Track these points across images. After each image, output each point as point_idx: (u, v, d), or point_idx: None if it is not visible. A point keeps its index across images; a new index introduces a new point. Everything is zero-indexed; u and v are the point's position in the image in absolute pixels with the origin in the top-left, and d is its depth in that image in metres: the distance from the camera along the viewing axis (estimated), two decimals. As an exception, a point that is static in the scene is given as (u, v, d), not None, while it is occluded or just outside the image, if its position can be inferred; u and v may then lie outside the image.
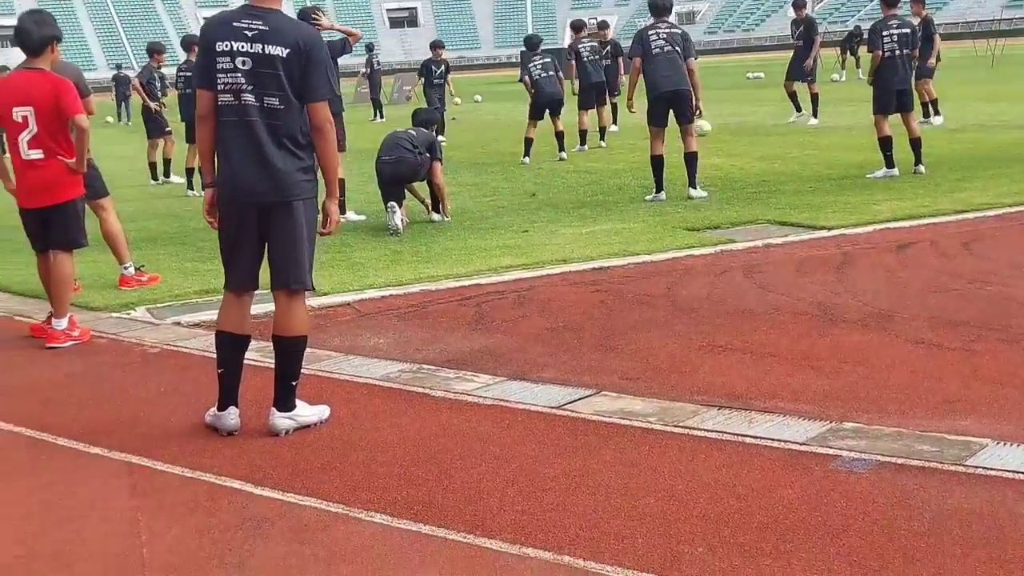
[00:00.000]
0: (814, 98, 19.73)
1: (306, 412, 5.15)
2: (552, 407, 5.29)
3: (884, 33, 12.27)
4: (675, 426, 4.94)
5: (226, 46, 4.82)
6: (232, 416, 5.06)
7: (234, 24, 4.85)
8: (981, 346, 5.89)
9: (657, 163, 11.60)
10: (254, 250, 5.03)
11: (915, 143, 12.29)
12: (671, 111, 11.53)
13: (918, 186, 11.48)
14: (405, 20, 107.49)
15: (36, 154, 6.77)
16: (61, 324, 6.88)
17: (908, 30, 12.46)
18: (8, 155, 6.98)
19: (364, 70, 29.83)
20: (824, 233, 9.29)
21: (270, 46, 4.79)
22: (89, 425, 5.32)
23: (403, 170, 10.51)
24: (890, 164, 12.16)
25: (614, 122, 19.54)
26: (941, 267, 8.00)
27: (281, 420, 5.06)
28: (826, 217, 9.88)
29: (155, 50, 15.97)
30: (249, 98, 4.82)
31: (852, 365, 5.71)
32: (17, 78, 6.89)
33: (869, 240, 8.95)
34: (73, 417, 5.47)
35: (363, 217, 11.24)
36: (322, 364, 6.22)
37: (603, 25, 23.78)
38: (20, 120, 6.72)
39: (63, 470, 4.77)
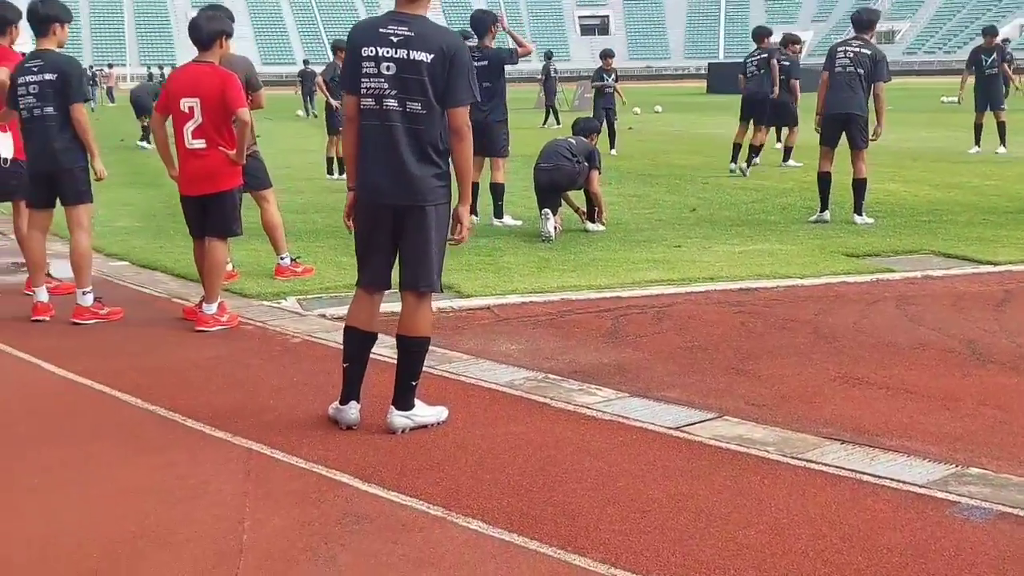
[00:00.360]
0: (1001, 127, 18.93)
1: (424, 412, 5.22)
2: (670, 428, 5.23)
3: None
4: (793, 457, 4.81)
5: (372, 51, 4.92)
6: (352, 410, 5.17)
7: (380, 30, 4.95)
8: None
9: (823, 181, 11.32)
10: (387, 251, 5.13)
11: None
12: (844, 133, 11.23)
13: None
14: (596, 28, 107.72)
15: (199, 144, 7.03)
16: (211, 309, 7.14)
17: None
18: (173, 143, 7.26)
19: (540, 76, 30.05)
20: (989, 268, 8.91)
21: (415, 51, 4.87)
22: (220, 409, 5.50)
23: (560, 178, 10.54)
24: None
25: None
26: (1110, 312, 7.58)
27: (398, 418, 5.14)
28: (994, 251, 9.47)
29: (339, 47, 16.35)
30: (392, 103, 4.91)
31: (991, 408, 5.46)
32: (187, 71, 7.18)
33: (1036, 278, 8.55)
34: (206, 400, 5.67)
35: (520, 222, 11.30)
36: (451, 365, 6.29)
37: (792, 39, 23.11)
38: (187, 111, 6.99)
39: (187, 450, 4.94)
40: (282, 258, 8.72)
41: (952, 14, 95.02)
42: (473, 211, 11.31)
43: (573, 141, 10.87)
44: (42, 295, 7.42)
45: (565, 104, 33.05)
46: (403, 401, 5.16)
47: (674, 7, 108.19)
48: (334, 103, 16.13)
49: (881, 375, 6.06)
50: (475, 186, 11.32)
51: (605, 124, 20.12)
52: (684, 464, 4.76)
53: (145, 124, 23.90)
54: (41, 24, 7.31)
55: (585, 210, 10.99)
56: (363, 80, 4.94)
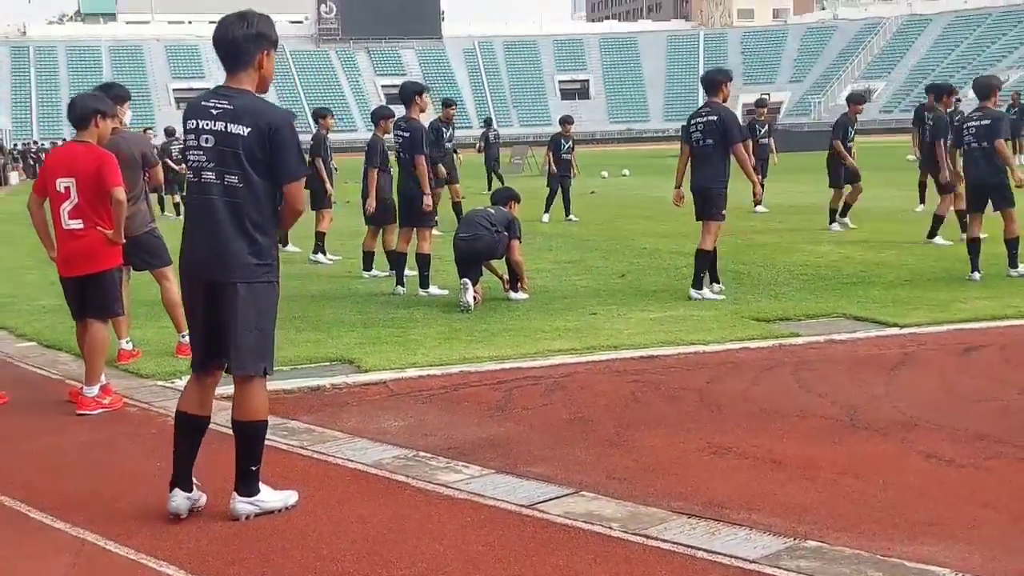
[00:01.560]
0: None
1: (269, 498, 5.14)
2: (522, 505, 5.18)
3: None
4: (635, 534, 4.76)
5: (193, 124, 4.93)
6: (176, 498, 5.05)
7: (203, 103, 4.96)
8: (994, 464, 5.54)
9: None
10: (207, 329, 5.02)
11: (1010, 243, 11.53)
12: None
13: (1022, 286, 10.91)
14: (576, 92, 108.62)
15: (76, 224, 7.03)
16: (92, 391, 7.09)
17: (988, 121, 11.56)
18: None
19: (479, 143, 30.24)
20: (895, 331, 8.89)
21: (232, 124, 4.84)
22: (70, 497, 5.44)
23: (479, 247, 10.56)
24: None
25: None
26: (999, 374, 7.57)
27: (241, 505, 5.06)
28: (905, 314, 9.46)
29: (321, 115, 16.23)
30: (210, 175, 4.88)
31: (851, 478, 5.43)
32: (64, 150, 7.20)
33: (938, 340, 8.53)
34: (61, 488, 5.62)
35: (445, 292, 11.30)
36: (325, 445, 6.25)
37: (761, 103, 23.26)
38: (63, 191, 7.01)
39: (17, 543, 4.87)
40: (183, 336, 8.67)
41: (926, 73, 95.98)
42: (399, 282, 11.43)
43: (492, 211, 10.91)
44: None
45: (533, 168, 33.15)
46: (245, 487, 5.07)
47: (653, 71, 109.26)
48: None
49: (751, 444, 6.03)
50: (401, 256, 11.40)
51: (561, 191, 20.21)
52: (524, 545, 4.70)
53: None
54: (82, 119, 7.27)
55: (507, 278, 10.98)
56: (188, 152, 4.96)
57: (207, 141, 4.88)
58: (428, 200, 11.40)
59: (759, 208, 19.06)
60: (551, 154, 20.78)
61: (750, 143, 10.97)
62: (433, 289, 11.33)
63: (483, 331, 9.30)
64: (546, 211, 20.24)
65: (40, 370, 8.53)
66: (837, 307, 9.95)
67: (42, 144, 59.36)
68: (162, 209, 24.87)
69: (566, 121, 21.39)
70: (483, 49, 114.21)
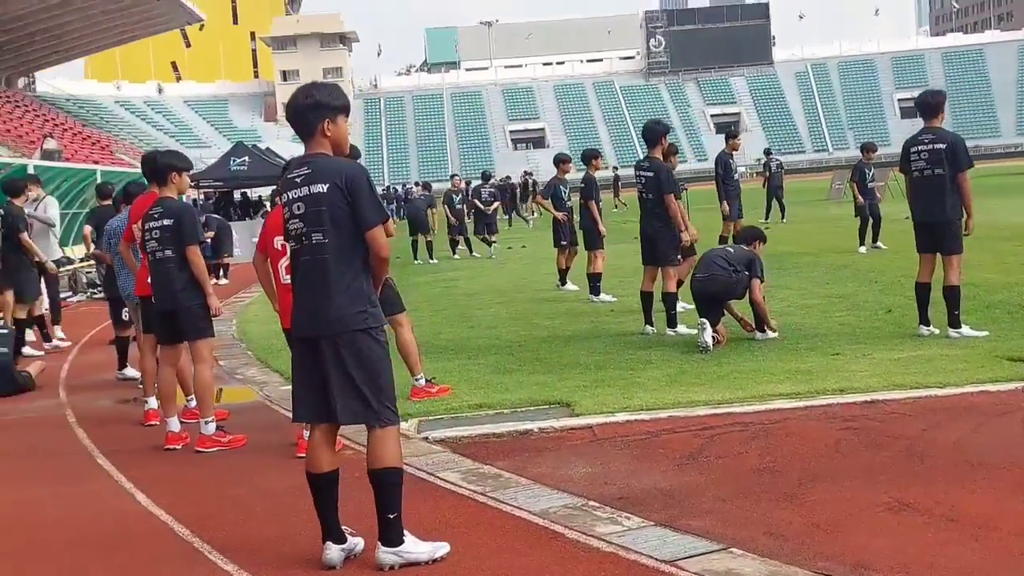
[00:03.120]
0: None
1: (415, 549, 5.23)
2: (664, 560, 5.09)
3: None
4: (762, 595, 4.57)
5: (285, 197, 5.25)
6: (329, 551, 5.26)
7: (288, 176, 5.30)
8: None
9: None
10: (316, 385, 5.18)
11: None
12: None
13: None
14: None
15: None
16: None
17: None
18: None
19: (763, 173, 29.76)
20: None
21: (314, 185, 5.10)
22: (252, 542, 5.79)
23: (715, 288, 10.38)
24: None
25: None
26: None
27: (385, 555, 5.18)
28: None
29: (562, 160, 16.68)
30: (305, 239, 5.15)
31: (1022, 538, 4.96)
32: (278, 212, 7.70)
33: None
34: (249, 532, 5.98)
35: (694, 332, 11.11)
36: (504, 492, 6.35)
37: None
38: (279, 248, 7.47)
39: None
40: (416, 379, 9.03)
41: None
42: (648, 321, 11.40)
43: (731, 250, 10.70)
44: (174, 425, 8.05)
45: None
46: (387, 537, 5.19)
47: (1002, 83, 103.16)
48: (558, 216, 16.50)
49: (935, 500, 5.64)
50: (648, 296, 11.37)
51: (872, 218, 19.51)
52: (643, 602, 4.62)
53: (429, 239, 25.34)
54: (158, 174, 8.07)
55: (751, 320, 10.70)
56: (287, 224, 5.25)
57: (299, 208, 5.16)
58: (686, 236, 11.38)
59: None
60: (856, 184, 20.14)
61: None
62: (682, 328, 11.21)
63: (711, 374, 9.13)
64: (861, 243, 19.59)
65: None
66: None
67: (392, 187, 62.97)
68: (453, 251, 25.95)
69: (869, 148, 20.67)
70: (816, 71, 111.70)
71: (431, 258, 25.03)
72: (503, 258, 24.18)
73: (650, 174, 11.42)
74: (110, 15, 76.21)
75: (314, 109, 5.23)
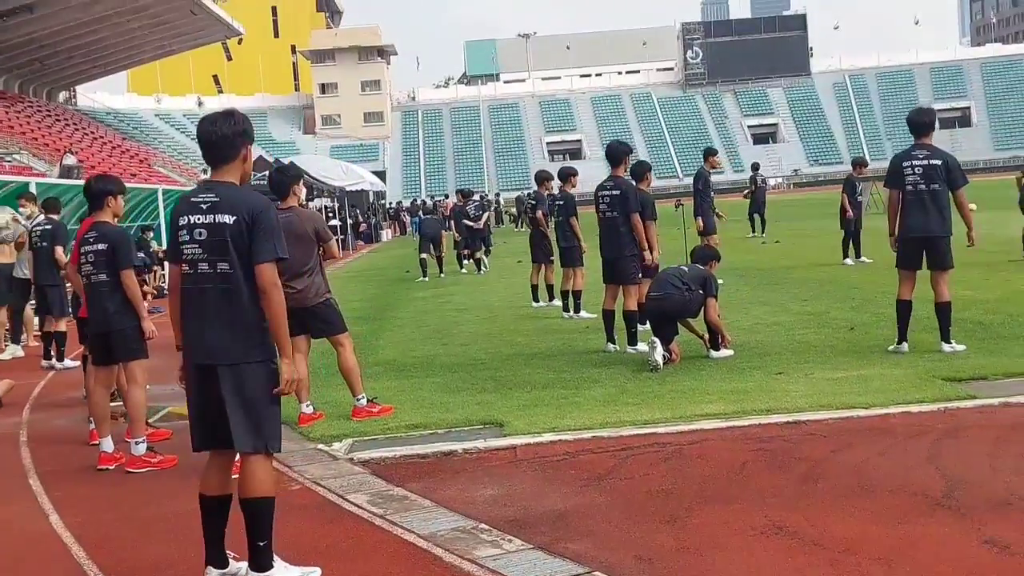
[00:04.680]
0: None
1: (285, 574, 5.31)
2: (527, 585, 5.18)
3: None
4: (603, 619, 4.66)
5: (185, 220, 5.29)
6: (210, 575, 5.36)
7: (192, 200, 5.34)
8: (1044, 559, 4.92)
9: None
10: (204, 411, 5.29)
11: None
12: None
13: None
14: (957, 120, 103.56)
15: None
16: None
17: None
18: None
19: (748, 188, 29.76)
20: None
21: (220, 215, 5.18)
22: (143, 565, 5.92)
23: (668, 306, 10.44)
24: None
25: None
26: None
27: (253, 579, 5.30)
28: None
29: (545, 178, 16.89)
30: (204, 266, 5.21)
31: (879, 564, 5.03)
32: None
33: None
34: (143, 554, 6.11)
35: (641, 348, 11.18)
36: (402, 515, 6.44)
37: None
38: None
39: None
40: (358, 399, 9.17)
41: None
42: (609, 339, 11.47)
43: (685, 268, 10.76)
44: (107, 445, 8.22)
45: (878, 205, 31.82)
46: (257, 562, 5.25)
47: None
48: (545, 230, 16.63)
49: (812, 524, 5.70)
50: (609, 314, 11.43)
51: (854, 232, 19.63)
52: (488, 625, 4.71)
53: (439, 255, 25.51)
54: (95, 199, 8.27)
55: (707, 336, 10.75)
56: (181, 247, 5.31)
57: (200, 235, 5.24)
58: (648, 256, 11.44)
59: None
60: (846, 197, 20.19)
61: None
62: (642, 346, 11.27)
63: (649, 393, 9.20)
64: (845, 255, 19.81)
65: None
66: (1043, 364, 9.05)
67: (422, 201, 63.21)
68: (460, 266, 26.13)
69: (860, 163, 20.69)
70: (854, 82, 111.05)
71: (440, 272, 25.22)
72: (509, 273, 24.26)
73: (616, 192, 11.50)
74: (149, 30, 77.17)
75: (241, 135, 5.31)
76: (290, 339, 8.85)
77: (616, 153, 11.66)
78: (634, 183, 11.72)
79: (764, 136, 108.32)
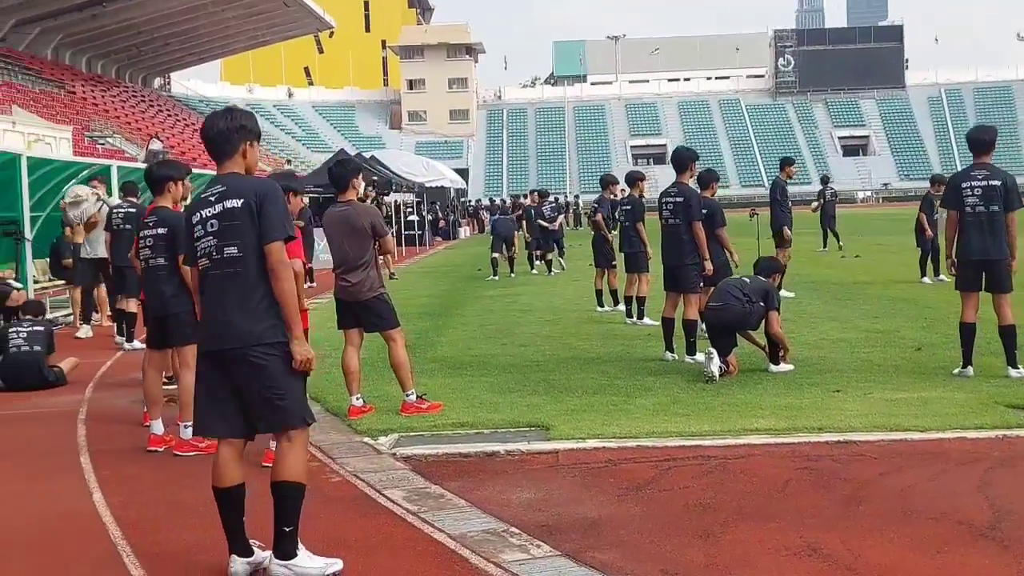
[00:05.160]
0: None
1: (308, 563, 5.30)
2: (549, 594, 5.12)
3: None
4: (620, 633, 4.58)
5: (198, 215, 5.36)
6: (234, 564, 5.36)
7: (202, 196, 5.41)
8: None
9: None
10: (222, 399, 5.31)
11: None
12: None
13: None
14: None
15: None
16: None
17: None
18: None
19: (817, 201, 29.03)
20: None
21: (228, 200, 5.25)
22: (170, 547, 5.98)
23: (728, 317, 10.29)
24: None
25: None
26: None
27: (276, 568, 5.26)
28: None
29: (610, 182, 16.78)
30: (216, 254, 5.27)
31: (911, 596, 4.87)
32: None
33: None
34: (175, 537, 6.16)
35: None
36: (437, 514, 6.41)
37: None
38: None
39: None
40: (408, 395, 9.16)
41: None
42: (668, 348, 11.34)
43: (747, 280, 10.58)
44: (157, 427, 8.31)
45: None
46: (281, 549, 5.27)
47: None
48: (608, 235, 16.55)
49: (847, 547, 5.56)
50: (669, 322, 11.30)
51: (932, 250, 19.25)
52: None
53: (511, 255, 25.54)
54: (156, 184, 8.38)
55: (768, 350, 10.58)
56: (196, 244, 5.37)
57: (213, 226, 5.30)
58: (709, 266, 11.29)
59: None
60: (924, 215, 19.78)
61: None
62: (700, 356, 11.12)
63: (700, 404, 9.06)
64: (923, 274, 19.50)
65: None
66: (1117, 395, 8.74)
67: (502, 200, 63.27)
68: (531, 267, 26.10)
69: (938, 181, 20.26)
70: (950, 96, 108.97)
71: (511, 272, 25.21)
72: (580, 275, 24.14)
73: (679, 199, 11.37)
74: (243, 20, 78.38)
75: (239, 131, 5.42)
76: (342, 331, 9.00)
77: (682, 159, 11.52)
78: (698, 190, 11.57)
79: (854, 148, 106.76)
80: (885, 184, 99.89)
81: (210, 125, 5.43)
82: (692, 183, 11.61)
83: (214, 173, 5.64)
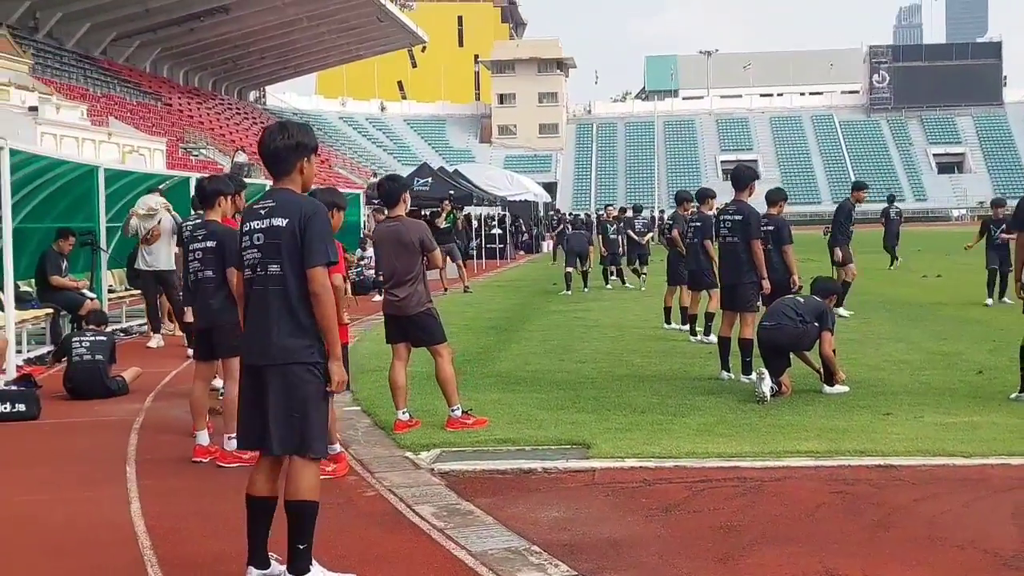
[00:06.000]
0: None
1: (321, 578, 5.41)
2: (555, 610, 5.14)
3: None
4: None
5: (247, 227, 5.46)
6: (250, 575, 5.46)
7: (253, 207, 5.50)
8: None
9: None
10: (258, 412, 5.37)
11: None
12: None
13: None
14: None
15: None
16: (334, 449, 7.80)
17: None
18: None
19: (881, 219, 29.06)
20: None
21: (275, 219, 5.33)
22: (197, 558, 6.07)
23: (780, 337, 10.18)
24: None
25: None
26: None
27: (288, 582, 5.37)
28: None
29: (685, 198, 16.74)
30: (260, 270, 5.36)
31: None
32: None
33: None
34: (204, 549, 6.26)
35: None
36: (462, 530, 6.44)
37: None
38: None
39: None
40: (453, 410, 9.23)
41: None
42: (724, 367, 11.26)
43: (801, 300, 10.47)
44: (202, 438, 8.47)
45: None
46: (295, 566, 5.33)
47: None
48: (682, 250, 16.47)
49: (865, 574, 5.48)
50: (726, 341, 11.22)
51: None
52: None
53: (585, 269, 25.51)
54: (208, 198, 8.57)
55: (822, 371, 10.45)
56: (243, 253, 5.46)
57: (258, 239, 5.39)
58: (767, 284, 11.20)
59: None
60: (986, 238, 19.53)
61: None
62: (755, 376, 11.03)
63: (745, 425, 8.99)
64: (989, 295, 19.10)
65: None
66: None
67: (572, 215, 62.95)
68: (606, 282, 26.05)
69: (998, 204, 19.91)
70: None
71: (584, 287, 25.18)
72: (656, 292, 24.01)
73: (738, 217, 11.30)
74: (337, 35, 79.57)
75: (295, 149, 5.46)
76: (391, 345, 9.10)
77: (742, 177, 11.45)
78: (755, 210, 11.46)
79: (950, 165, 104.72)
80: (981, 202, 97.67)
81: (266, 142, 5.48)
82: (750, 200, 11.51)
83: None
